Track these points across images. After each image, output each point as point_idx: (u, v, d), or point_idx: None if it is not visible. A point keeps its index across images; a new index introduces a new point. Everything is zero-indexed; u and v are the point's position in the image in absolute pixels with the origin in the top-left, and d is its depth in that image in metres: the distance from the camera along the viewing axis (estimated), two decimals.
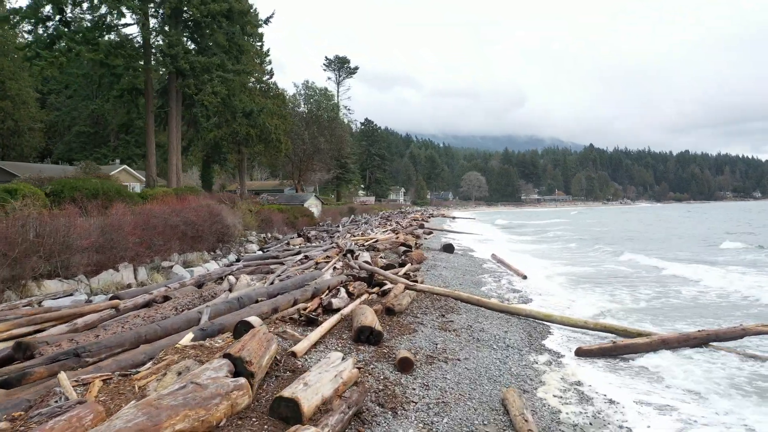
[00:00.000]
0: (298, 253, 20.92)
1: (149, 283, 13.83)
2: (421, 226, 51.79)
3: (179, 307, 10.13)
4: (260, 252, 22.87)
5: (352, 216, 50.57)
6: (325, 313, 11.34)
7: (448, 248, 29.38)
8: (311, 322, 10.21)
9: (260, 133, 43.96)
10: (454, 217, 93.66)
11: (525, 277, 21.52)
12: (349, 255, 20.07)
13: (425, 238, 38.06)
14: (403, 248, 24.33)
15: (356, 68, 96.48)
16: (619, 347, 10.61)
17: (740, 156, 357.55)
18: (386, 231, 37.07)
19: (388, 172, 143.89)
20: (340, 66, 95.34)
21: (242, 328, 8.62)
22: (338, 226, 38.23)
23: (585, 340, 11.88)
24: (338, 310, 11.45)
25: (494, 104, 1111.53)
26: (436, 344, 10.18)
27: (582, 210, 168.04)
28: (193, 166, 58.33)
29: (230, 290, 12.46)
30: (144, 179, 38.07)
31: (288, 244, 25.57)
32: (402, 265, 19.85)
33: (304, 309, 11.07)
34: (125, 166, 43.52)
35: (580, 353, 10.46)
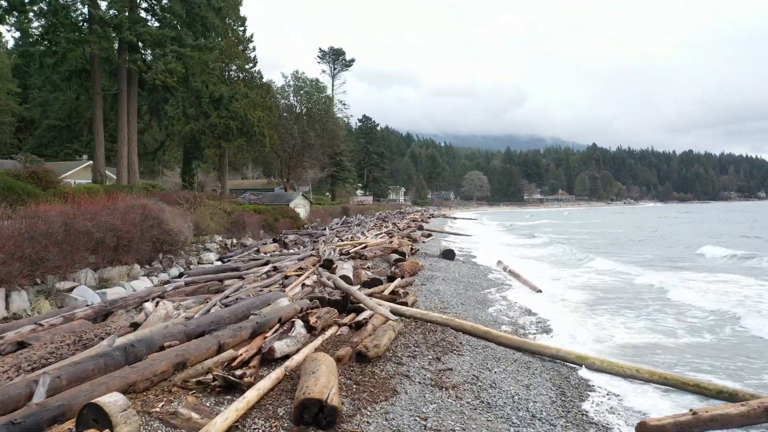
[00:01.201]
0: (266, 263, 17.36)
1: (30, 314, 10.23)
2: (420, 228, 48.24)
3: (26, 365, 6.56)
4: (219, 262, 19.11)
5: (344, 217, 46.64)
6: (266, 365, 7.81)
7: (449, 254, 25.83)
8: (231, 387, 6.64)
9: (241, 126, 40.18)
10: (455, 218, 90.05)
11: (539, 291, 17.98)
12: (324, 267, 16.55)
13: (423, 242, 34.51)
14: (395, 256, 20.77)
15: (352, 61, 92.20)
16: (703, 420, 7.01)
17: (744, 155, 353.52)
18: (380, 234, 33.51)
19: (388, 171, 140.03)
20: (335, 58, 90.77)
21: (89, 416, 5.11)
22: (325, 229, 34.53)
23: (640, 399, 8.33)
24: (286, 357, 7.93)
25: (494, 104, 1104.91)
26: (425, 421, 6.62)
27: (581, 210, 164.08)
28: (182, 163, 54.64)
29: (138, 325, 8.89)
30: (114, 176, 34.53)
31: (258, 251, 21.87)
32: (391, 279, 16.33)
33: (232, 360, 7.51)
34: (91, 162, 39.95)
35: None
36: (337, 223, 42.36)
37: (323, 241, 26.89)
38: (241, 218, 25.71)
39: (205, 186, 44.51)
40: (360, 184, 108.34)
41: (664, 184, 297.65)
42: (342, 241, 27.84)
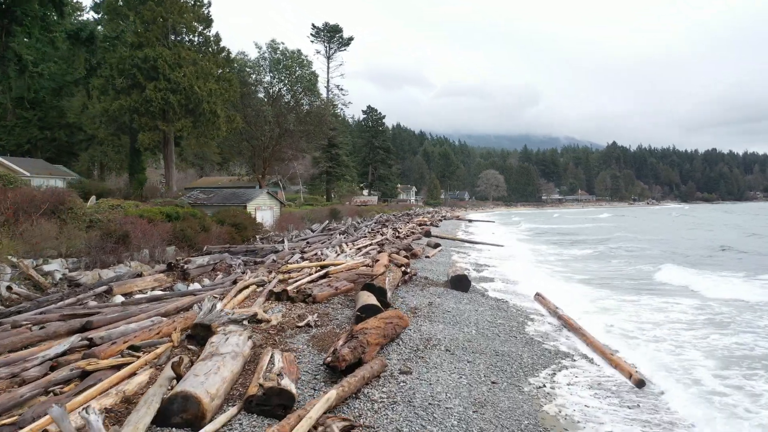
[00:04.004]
0: (82, 329, 8.59)
1: None
2: (427, 234, 39.41)
3: None
4: None
5: (327, 222, 37.36)
6: None
7: (461, 283, 17.01)
8: None
9: (185, 102, 31.20)
10: (470, 220, 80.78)
11: (641, 384, 9.04)
12: (194, 340, 7.80)
13: (427, 257, 25.65)
14: (366, 298, 11.84)
15: (350, 39, 79.09)
16: None
17: None
18: (368, 247, 24.69)
19: (398, 168, 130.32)
20: (331, 36, 78.33)
21: None
22: (283, 241, 25.37)
23: None
24: None
25: (507, 104, 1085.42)
26: None
27: (583, 211, 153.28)
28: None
29: None
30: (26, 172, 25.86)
31: (109, 292, 12.72)
32: (334, 367, 7.62)
33: None
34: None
35: None
36: (315, 231, 33.24)
37: (273, 260, 18.11)
38: (119, 230, 16.58)
39: (142, 182, 35.73)
40: (363, 183, 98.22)
41: (687, 183, 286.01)
42: (303, 259, 19.04)
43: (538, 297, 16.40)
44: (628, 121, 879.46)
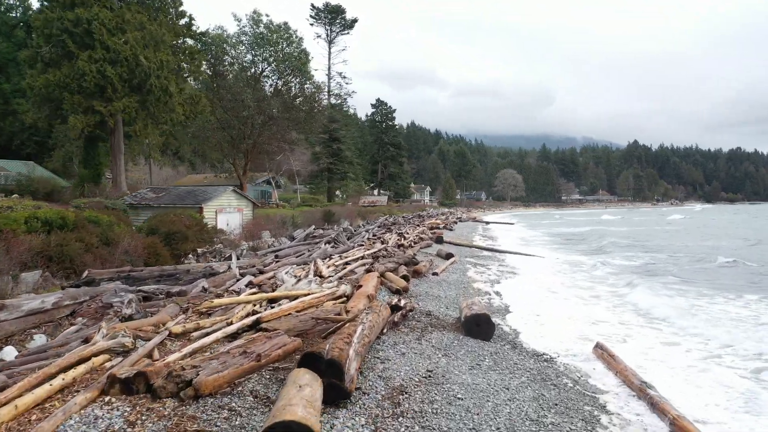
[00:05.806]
0: None
1: None
2: (439, 240, 33.64)
3: None
4: None
5: (312, 227, 31.20)
6: None
7: (479, 328, 11.27)
8: None
9: (129, 76, 25.43)
10: (487, 222, 74.61)
11: None
12: None
13: (434, 273, 19.78)
14: (289, 401, 6.04)
15: (354, 21, 72.62)
16: None
17: None
18: (361, 260, 18.92)
19: (413, 167, 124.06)
20: (332, 18, 71.86)
21: None
22: (230, 257, 19.48)
23: None
24: None
25: (522, 104, 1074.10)
26: None
27: (590, 212, 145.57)
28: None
29: None
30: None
31: None
32: None
33: None
34: None
35: None
36: (297, 237, 27.28)
37: (203, 289, 12.39)
38: None
39: (86, 177, 30.04)
40: (372, 182, 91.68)
41: (711, 183, 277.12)
42: (253, 285, 13.33)
43: (601, 352, 10.51)
44: (645, 120, 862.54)
